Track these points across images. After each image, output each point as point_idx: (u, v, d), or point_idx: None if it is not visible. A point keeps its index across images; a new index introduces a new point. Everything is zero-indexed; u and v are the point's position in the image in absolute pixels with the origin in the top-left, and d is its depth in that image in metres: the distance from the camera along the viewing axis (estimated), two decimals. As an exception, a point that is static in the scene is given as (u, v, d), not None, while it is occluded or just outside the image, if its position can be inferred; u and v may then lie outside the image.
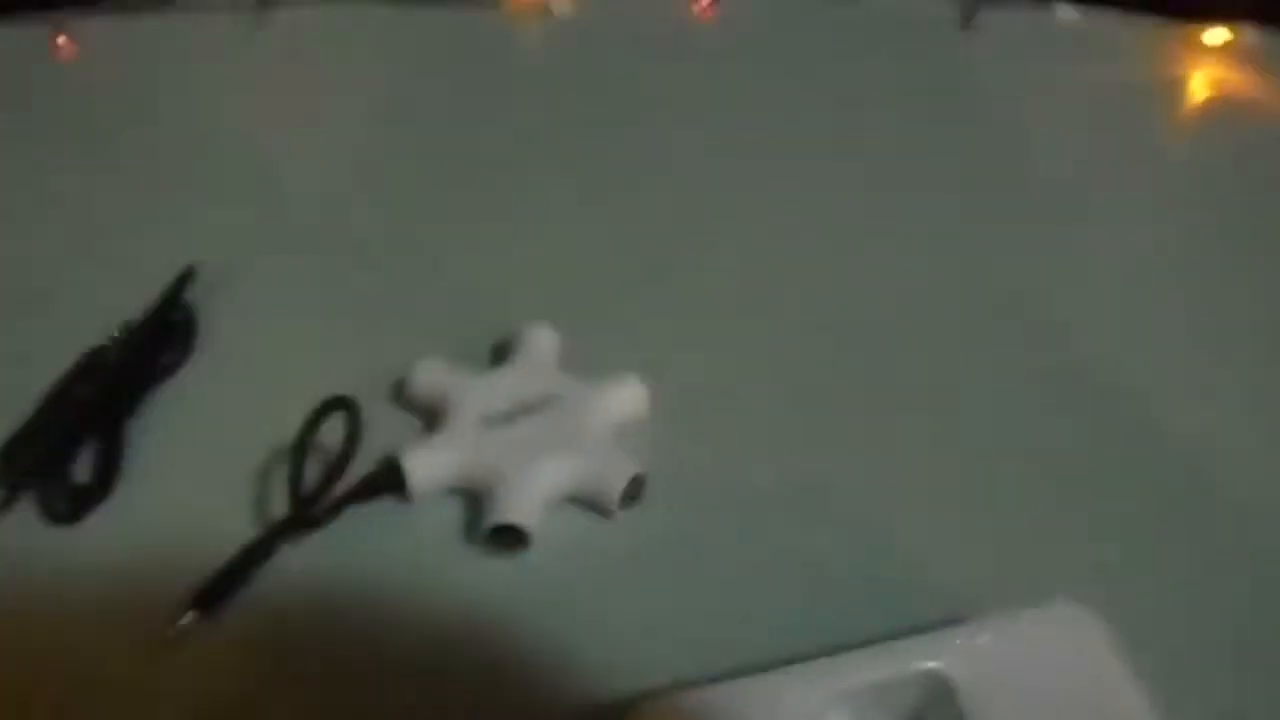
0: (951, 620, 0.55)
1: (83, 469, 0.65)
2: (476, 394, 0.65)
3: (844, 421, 0.68)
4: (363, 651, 0.59)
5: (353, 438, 0.63)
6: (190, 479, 0.65)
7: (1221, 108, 0.87)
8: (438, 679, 0.58)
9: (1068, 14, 0.92)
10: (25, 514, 0.64)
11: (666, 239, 0.77)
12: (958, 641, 0.54)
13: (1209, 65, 0.89)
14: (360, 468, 0.64)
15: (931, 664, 0.53)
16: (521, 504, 0.61)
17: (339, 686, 0.58)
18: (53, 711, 0.57)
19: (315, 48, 0.88)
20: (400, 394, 0.67)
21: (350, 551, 0.62)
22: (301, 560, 0.62)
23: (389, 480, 0.63)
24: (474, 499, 0.63)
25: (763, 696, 0.53)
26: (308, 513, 0.62)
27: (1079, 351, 0.71)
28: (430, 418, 0.66)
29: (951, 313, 0.73)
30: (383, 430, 0.65)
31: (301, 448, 0.62)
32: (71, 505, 0.64)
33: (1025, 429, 0.67)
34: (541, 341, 0.68)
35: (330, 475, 0.62)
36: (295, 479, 0.62)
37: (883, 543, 0.62)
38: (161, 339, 0.70)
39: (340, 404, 0.63)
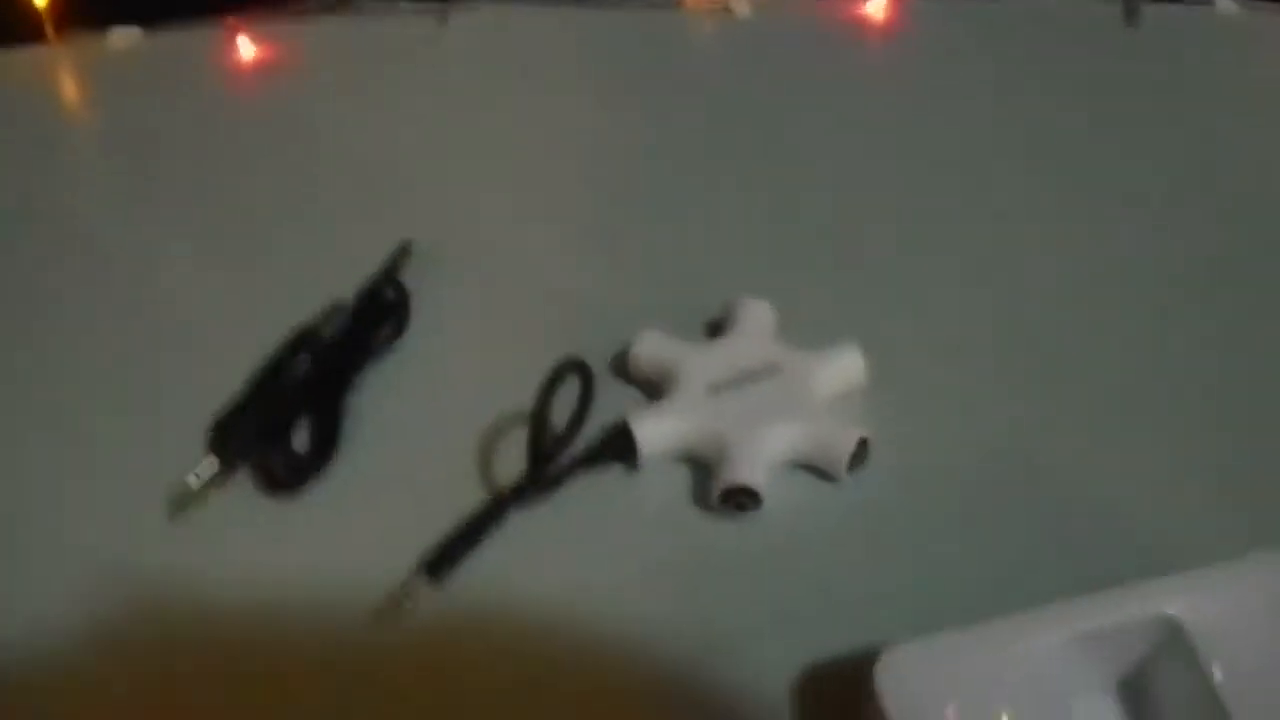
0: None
1: (300, 444, 0.67)
2: (700, 363, 0.66)
3: (1050, 386, 0.69)
4: (590, 615, 0.60)
5: (586, 400, 0.64)
6: (410, 451, 0.67)
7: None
8: (666, 640, 0.59)
9: (1227, 7, 0.93)
10: (243, 486, 0.65)
11: (864, 218, 0.78)
12: (1190, 587, 0.55)
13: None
14: (584, 442, 0.65)
15: (1165, 609, 0.54)
16: (752, 466, 0.63)
17: (564, 652, 0.59)
18: (279, 680, 0.59)
19: (502, 44, 0.90)
20: (621, 369, 0.69)
21: (579, 519, 0.64)
22: (530, 527, 0.63)
23: (619, 446, 0.64)
24: (699, 468, 0.65)
25: (1002, 640, 0.54)
26: (542, 476, 0.63)
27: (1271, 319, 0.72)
28: (652, 390, 0.67)
29: (1146, 286, 0.74)
30: (606, 404, 0.66)
31: (542, 410, 0.63)
32: (291, 474, 0.65)
33: (1223, 398, 0.69)
34: (759, 313, 0.69)
35: (564, 438, 0.64)
36: (536, 441, 0.63)
37: (1097, 498, 0.64)
38: (377, 315, 0.71)
39: (574, 367, 0.64)
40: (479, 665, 0.59)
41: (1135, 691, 0.55)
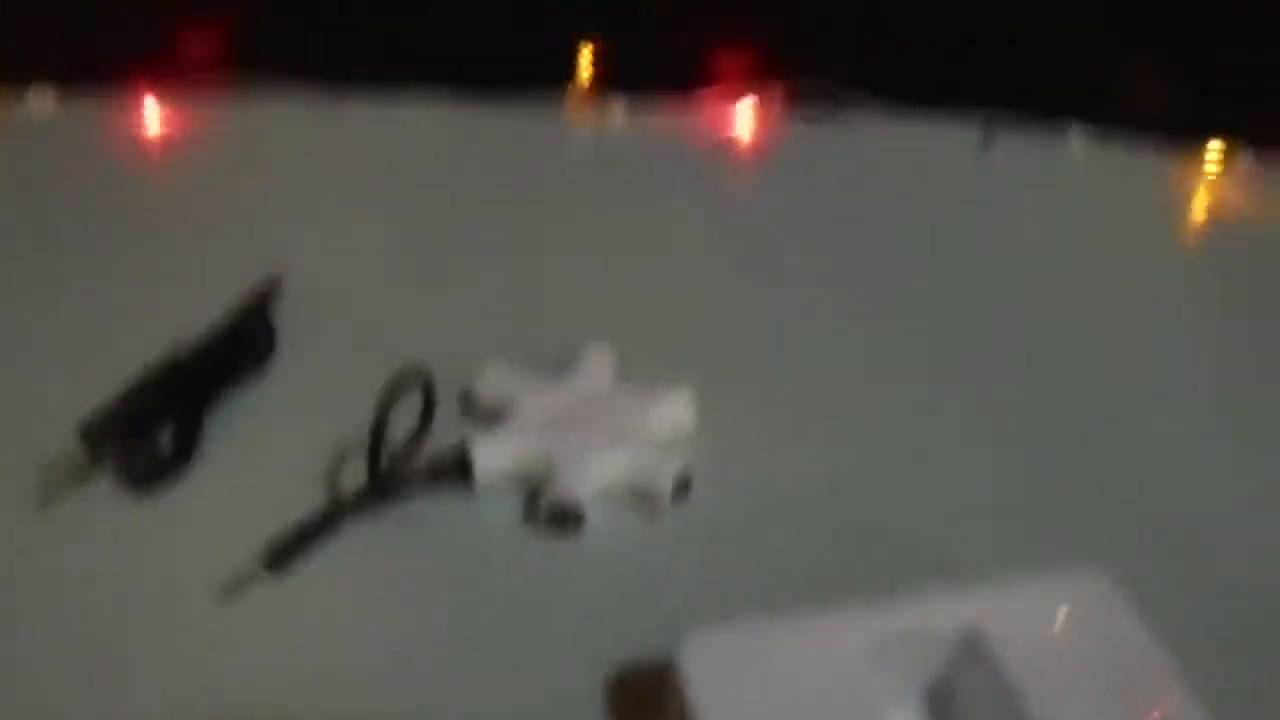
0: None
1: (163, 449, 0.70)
2: (539, 395, 0.71)
3: (868, 425, 0.75)
4: (413, 614, 0.64)
5: (429, 408, 0.67)
6: (264, 464, 0.70)
7: (1217, 227, 0.94)
8: (486, 644, 0.62)
9: (1079, 141, 0.99)
10: (103, 486, 0.69)
11: (706, 282, 0.84)
12: (992, 598, 0.57)
13: (1207, 187, 0.97)
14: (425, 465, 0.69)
15: (964, 619, 0.56)
16: (578, 487, 0.66)
17: (382, 644, 0.62)
18: (118, 664, 0.61)
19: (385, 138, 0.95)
20: (466, 405, 0.72)
21: (415, 534, 0.67)
22: (366, 537, 0.66)
23: (456, 467, 0.68)
24: (534, 495, 0.68)
25: (808, 629, 0.56)
26: (380, 485, 0.67)
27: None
28: (493, 422, 0.71)
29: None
30: (448, 435, 0.69)
31: (382, 417, 0.66)
32: (150, 472, 0.68)
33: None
34: (600, 356, 0.73)
35: (407, 447, 0.67)
36: (375, 447, 0.66)
37: (905, 525, 0.68)
38: (244, 342, 0.75)
39: (416, 375, 0.67)
40: (307, 652, 0.62)
41: (940, 701, 0.57)
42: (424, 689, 0.60)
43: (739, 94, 0.98)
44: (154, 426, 0.70)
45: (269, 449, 0.71)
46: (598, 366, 0.73)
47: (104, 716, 0.59)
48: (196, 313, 0.76)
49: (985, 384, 0.78)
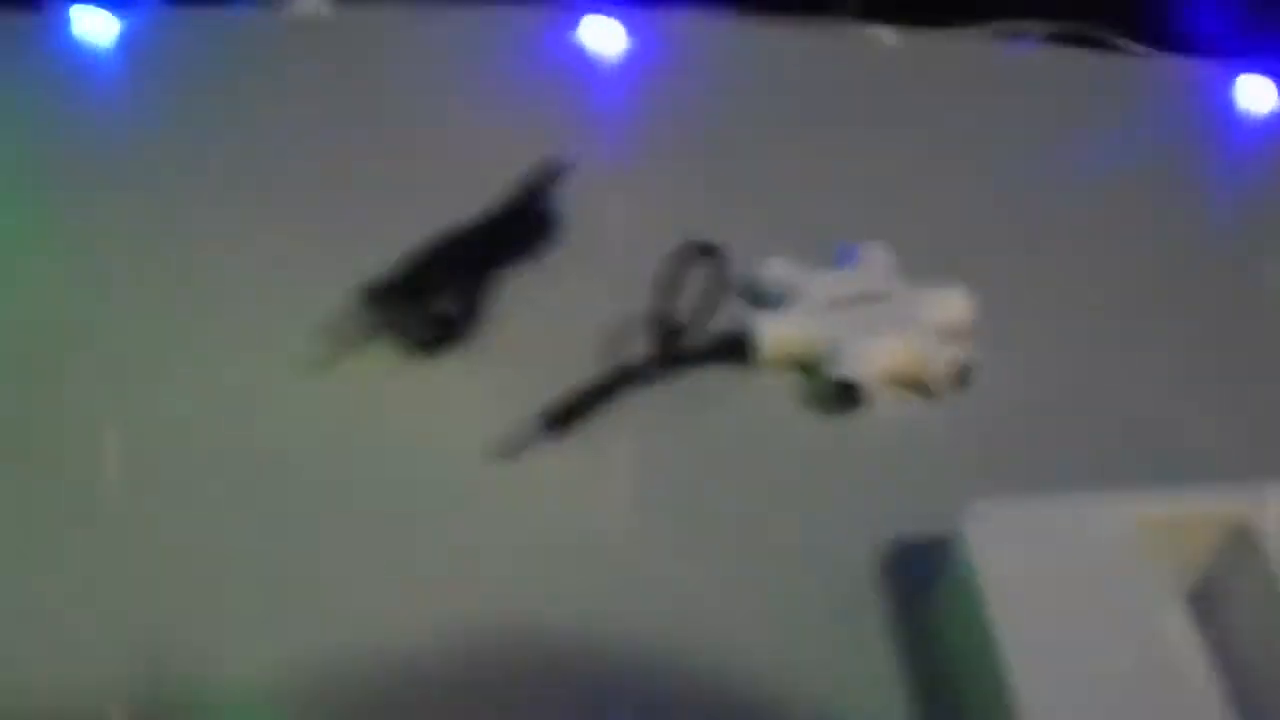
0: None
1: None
2: (822, 283, 0.72)
3: (1138, 329, 0.76)
4: (692, 495, 0.65)
5: (718, 281, 0.69)
6: (544, 334, 0.72)
7: None
8: (763, 520, 0.64)
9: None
10: (384, 349, 0.71)
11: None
12: (1258, 494, 0.57)
13: None
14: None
15: (1233, 511, 0.57)
16: (860, 368, 0.68)
17: (659, 519, 0.64)
18: (403, 518, 0.64)
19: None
20: (747, 293, 0.74)
21: (696, 406, 0.69)
22: (647, 407, 0.69)
23: (740, 344, 0.70)
24: (814, 373, 0.70)
25: (1079, 513, 0.57)
26: (665, 353, 0.69)
27: None
28: (774, 308, 0.73)
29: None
30: (729, 320, 0.71)
31: (672, 279, 0.68)
32: (430, 336, 0.71)
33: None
34: (879, 252, 0.75)
35: (694, 319, 0.69)
36: (661, 314, 0.68)
37: (1172, 427, 0.69)
38: (526, 220, 0.77)
39: (706, 250, 0.69)
40: (581, 515, 0.64)
41: (1207, 601, 0.57)
42: (698, 557, 0.62)
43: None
44: (436, 292, 0.72)
45: (549, 321, 0.73)
46: (877, 261, 0.74)
47: (382, 576, 0.61)
48: (481, 198, 0.78)
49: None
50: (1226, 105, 0.96)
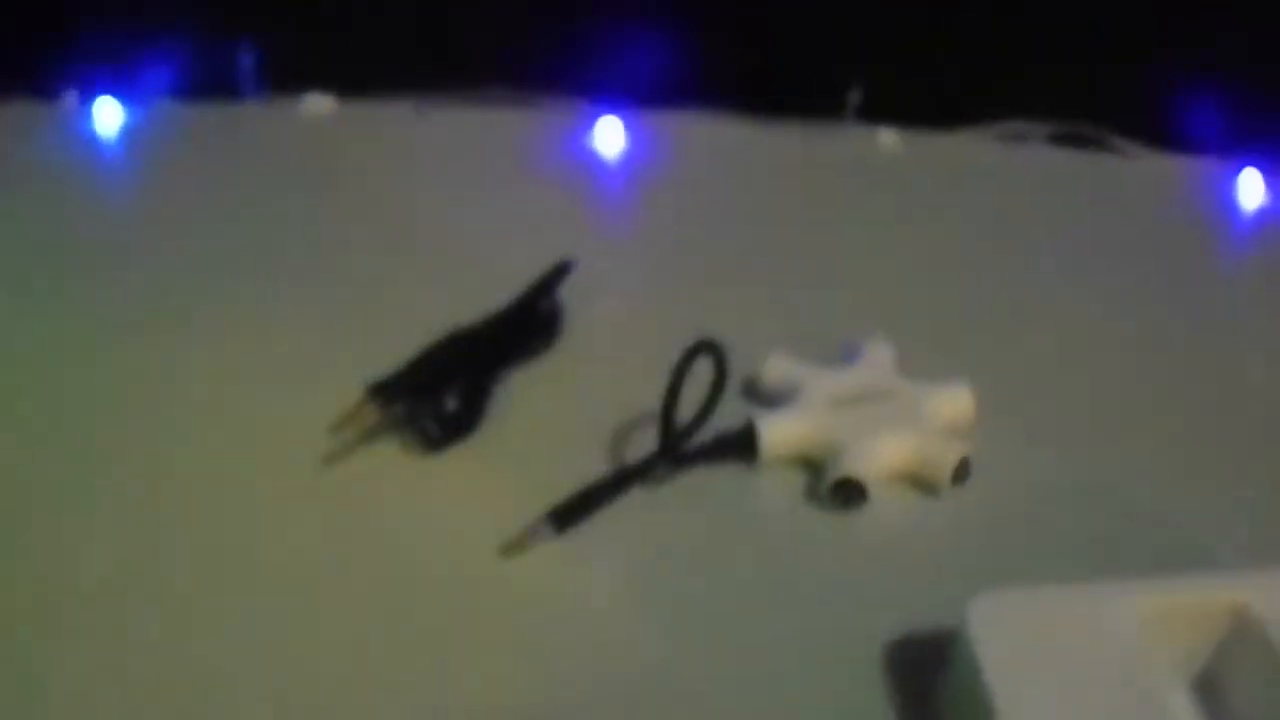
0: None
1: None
2: (825, 380, 0.73)
3: (1136, 422, 0.76)
4: (696, 590, 0.65)
5: (721, 376, 0.69)
6: (548, 431, 0.73)
7: None
8: (766, 615, 0.64)
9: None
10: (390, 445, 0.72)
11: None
12: (1259, 579, 0.58)
13: None
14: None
15: (1240, 598, 0.57)
16: (862, 466, 0.68)
17: (660, 611, 0.64)
18: (408, 613, 0.64)
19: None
20: (748, 390, 0.75)
21: (699, 503, 0.69)
22: (651, 504, 0.69)
23: (742, 441, 0.70)
24: (813, 471, 0.70)
25: (1082, 604, 0.57)
26: (670, 451, 0.69)
27: None
28: (776, 405, 0.73)
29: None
30: (733, 418, 0.71)
31: (678, 381, 0.68)
32: (436, 433, 0.72)
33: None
34: (881, 348, 0.75)
35: (696, 418, 0.69)
36: (667, 413, 0.69)
37: (1174, 520, 0.69)
38: (530, 320, 0.78)
39: (708, 348, 0.69)
40: (585, 610, 0.64)
41: (1210, 686, 0.57)
42: (702, 652, 0.62)
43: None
44: (441, 389, 0.73)
45: (553, 418, 0.74)
46: (879, 358, 0.75)
47: (386, 670, 0.61)
48: (484, 297, 0.79)
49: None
50: (1224, 201, 0.97)
